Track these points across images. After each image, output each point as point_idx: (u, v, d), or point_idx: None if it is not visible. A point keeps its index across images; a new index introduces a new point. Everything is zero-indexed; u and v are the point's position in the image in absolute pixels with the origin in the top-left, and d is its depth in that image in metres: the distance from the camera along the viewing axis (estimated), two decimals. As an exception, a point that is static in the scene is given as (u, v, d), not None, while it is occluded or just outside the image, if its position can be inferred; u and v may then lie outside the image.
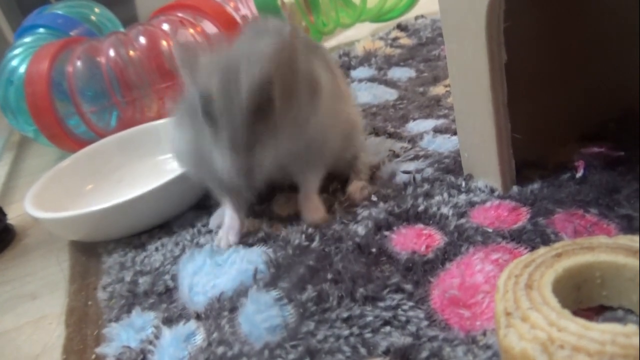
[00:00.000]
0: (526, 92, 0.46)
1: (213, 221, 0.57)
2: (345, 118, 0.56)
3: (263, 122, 0.43)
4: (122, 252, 0.57)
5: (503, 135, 0.46)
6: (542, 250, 0.35)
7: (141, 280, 0.51)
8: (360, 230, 0.48)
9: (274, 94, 0.43)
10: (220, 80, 0.43)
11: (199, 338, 0.41)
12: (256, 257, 0.48)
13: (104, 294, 0.51)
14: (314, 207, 0.53)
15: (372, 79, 0.85)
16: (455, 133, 0.61)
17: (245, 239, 0.52)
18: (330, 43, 1.23)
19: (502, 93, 0.44)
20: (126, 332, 0.45)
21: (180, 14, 0.97)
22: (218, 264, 0.49)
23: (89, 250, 0.62)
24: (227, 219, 0.54)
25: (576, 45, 0.48)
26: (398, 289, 0.41)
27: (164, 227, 0.60)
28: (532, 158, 0.50)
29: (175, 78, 0.94)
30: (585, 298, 0.34)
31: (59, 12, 1.09)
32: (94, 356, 0.45)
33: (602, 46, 0.49)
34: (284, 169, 0.50)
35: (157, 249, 0.56)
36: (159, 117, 0.90)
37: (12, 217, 0.77)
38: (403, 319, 0.38)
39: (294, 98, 0.46)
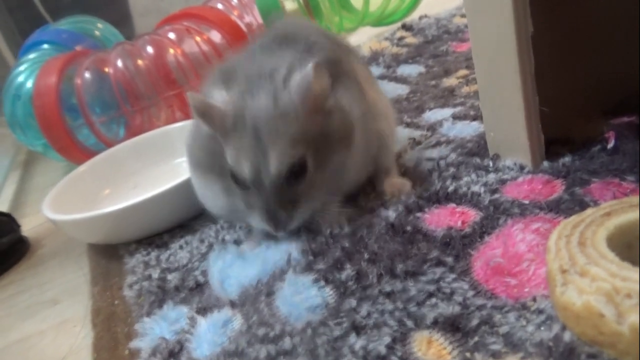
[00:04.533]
0: (551, 66, 0.46)
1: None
2: (375, 137, 0.52)
3: (297, 185, 0.44)
4: (145, 252, 0.56)
5: (531, 108, 0.46)
6: (589, 211, 0.35)
7: (170, 276, 0.50)
8: (391, 214, 0.48)
9: (306, 161, 0.44)
10: (249, 155, 0.43)
11: (237, 323, 0.40)
12: (289, 248, 0.47)
13: (131, 291, 0.50)
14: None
15: (381, 77, 0.85)
16: (475, 119, 0.61)
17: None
18: (333, 49, 1.24)
19: (530, 65, 0.44)
20: (159, 325, 0.44)
21: (185, 23, 0.97)
22: (249, 258, 0.48)
23: (109, 253, 0.60)
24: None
25: (600, 17, 0.48)
26: (439, 263, 0.40)
27: (186, 226, 0.59)
28: (559, 134, 0.50)
29: (182, 86, 0.94)
30: (637, 257, 0.34)
31: (63, 27, 1.09)
32: (127, 352, 0.43)
33: (626, 20, 0.49)
34: None
35: (181, 247, 0.55)
36: (168, 124, 0.90)
37: (26, 230, 0.76)
38: (447, 290, 0.38)
39: (328, 149, 0.45)
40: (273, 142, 0.42)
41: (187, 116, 0.95)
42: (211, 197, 0.50)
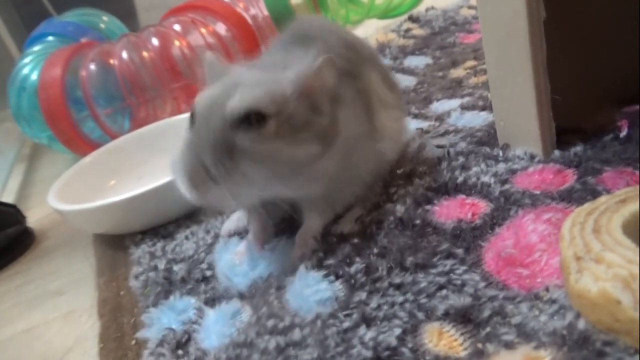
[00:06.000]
0: (562, 53, 0.45)
1: (226, 227, 0.53)
2: (371, 161, 0.48)
3: (246, 135, 0.38)
4: (151, 243, 0.56)
5: (543, 96, 0.45)
6: (603, 198, 0.34)
7: (176, 267, 0.49)
8: (399, 208, 0.47)
9: (270, 117, 0.39)
10: (216, 86, 0.40)
11: (246, 315, 0.40)
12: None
13: (137, 282, 0.50)
14: (303, 243, 0.45)
15: (388, 69, 0.85)
16: (483, 109, 0.60)
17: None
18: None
19: (542, 52, 0.44)
20: (166, 316, 0.44)
21: (191, 15, 0.97)
22: (256, 254, 0.47)
23: (115, 243, 0.60)
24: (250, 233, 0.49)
25: (614, 4, 0.47)
26: (449, 255, 0.40)
27: (191, 216, 0.59)
28: (570, 124, 0.49)
29: (187, 79, 0.94)
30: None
31: (68, 20, 1.09)
32: (133, 342, 0.43)
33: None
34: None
35: (187, 238, 0.55)
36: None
37: (31, 222, 0.76)
38: (458, 282, 0.37)
39: (302, 134, 0.41)
40: (249, 85, 0.39)
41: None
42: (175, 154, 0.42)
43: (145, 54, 0.91)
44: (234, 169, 0.38)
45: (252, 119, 0.38)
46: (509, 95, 0.48)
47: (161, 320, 0.43)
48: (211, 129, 0.38)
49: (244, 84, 0.40)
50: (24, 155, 1.21)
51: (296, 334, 0.36)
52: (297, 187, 0.42)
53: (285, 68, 0.43)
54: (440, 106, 0.66)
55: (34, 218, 0.78)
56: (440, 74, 0.77)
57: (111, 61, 0.91)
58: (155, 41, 0.92)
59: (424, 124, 0.62)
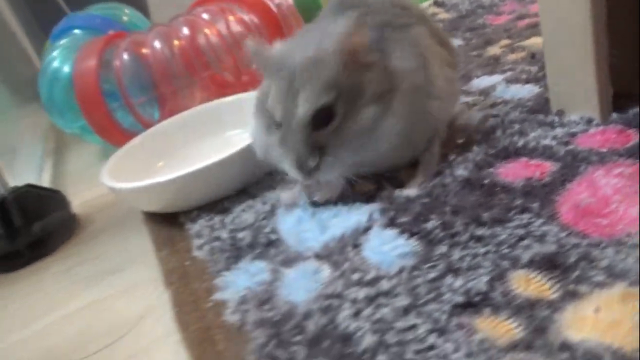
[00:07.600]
0: (622, 10, 0.46)
1: (285, 198, 0.54)
2: (428, 117, 0.50)
3: (324, 131, 0.45)
4: (208, 217, 0.57)
5: (602, 56, 0.46)
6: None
7: (240, 235, 0.50)
8: (462, 171, 0.48)
9: (334, 106, 0.45)
10: (282, 97, 0.45)
11: (325, 273, 0.41)
12: (366, 208, 0.47)
13: (202, 252, 0.51)
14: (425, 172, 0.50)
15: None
16: (528, 82, 0.61)
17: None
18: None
19: (601, 9, 0.44)
20: (241, 278, 0.44)
21: (218, 5, 0.98)
22: (322, 217, 0.48)
23: (169, 221, 0.61)
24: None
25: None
26: (524, 210, 0.40)
27: (244, 193, 0.60)
28: (627, 88, 0.50)
29: (216, 68, 0.95)
30: None
31: (95, 13, 1.09)
32: (210, 304, 0.44)
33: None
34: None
35: (244, 210, 0.55)
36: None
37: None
38: (538, 233, 0.38)
39: (361, 102, 0.46)
40: (304, 85, 0.44)
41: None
42: (256, 134, 0.52)
43: (176, 42, 0.92)
44: (329, 157, 0.45)
45: (321, 117, 0.44)
46: (566, 56, 0.48)
47: (236, 283, 0.44)
48: (297, 134, 0.45)
49: (301, 83, 0.44)
50: (49, 150, 1.21)
51: (384, 285, 0.37)
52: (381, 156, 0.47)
53: (323, 33, 0.47)
54: (481, 82, 0.67)
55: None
56: (475, 53, 0.78)
57: (143, 50, 0.91)
58: (185, 31, 0.93)
59: (469, 99, 0.63)
